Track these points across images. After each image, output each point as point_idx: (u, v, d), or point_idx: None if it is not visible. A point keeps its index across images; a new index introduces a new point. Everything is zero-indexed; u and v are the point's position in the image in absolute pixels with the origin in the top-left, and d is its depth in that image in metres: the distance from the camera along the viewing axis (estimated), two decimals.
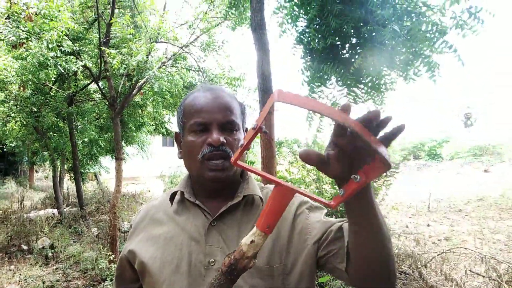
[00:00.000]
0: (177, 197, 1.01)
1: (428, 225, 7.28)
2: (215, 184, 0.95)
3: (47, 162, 11.03)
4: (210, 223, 0.93)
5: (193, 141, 0.92)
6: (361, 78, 4.44)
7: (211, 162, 0.90)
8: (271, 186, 1.05)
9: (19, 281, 4.55)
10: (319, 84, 4.41)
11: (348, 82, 4.40)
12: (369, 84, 4.50)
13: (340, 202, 0.65)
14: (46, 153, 9.68)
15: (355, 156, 0.60)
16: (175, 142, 1.05)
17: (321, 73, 4.27)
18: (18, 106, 7.60)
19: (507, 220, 7.48)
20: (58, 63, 5.73)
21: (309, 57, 4.32)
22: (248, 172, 1.04)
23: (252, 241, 0.69)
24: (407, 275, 3.75)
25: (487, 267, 3.73)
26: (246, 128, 1.03)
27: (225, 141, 0.90)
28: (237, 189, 0.99)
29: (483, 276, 3.62)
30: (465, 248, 4.41)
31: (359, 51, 4.26)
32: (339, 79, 4.41)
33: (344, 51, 4.41)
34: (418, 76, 4.06)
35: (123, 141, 9.32)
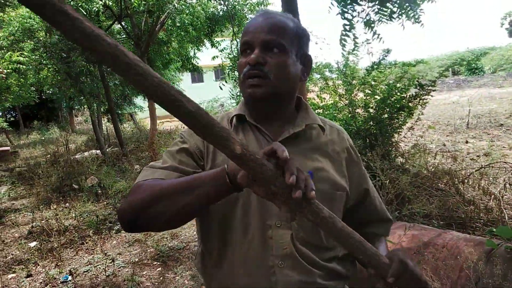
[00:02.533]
0: (234, 121, 1.01)
1: (467, 142, 7.10)
2: (254, 103, 0.95)
3: (85, 106, 11.45)
4: None
5: (240, 62, 0.94)
6: None
7: (249, 80, 0.90)
8: (331, 122, 1.09)
9: (75, 217, 4.99)
10: (350, 1, 4.12)
11: None
12: None
13: None
14: (82, 97, 10.01)
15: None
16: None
17: None
18: (48, 53, 7.73)
19: None
20: (79, 5, 5.67)
21: None
22: (306, 103, 1.05)
23: None
24: (443, 191, 3.76)
25: None
26: (304, 55, 0.99)
27: (264, 60, 0.89)
28: (292, 115, 1.01)
29: None
30: (505, 162, 4.31)
31: None
32: None
33: None
34: None
35: None
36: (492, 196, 3.40)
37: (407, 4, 4.21)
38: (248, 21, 0.97)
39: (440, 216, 3.26)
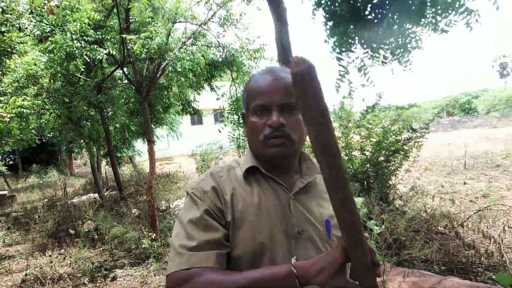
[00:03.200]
0: (244, 172, 1.02)
1: (465, 183, 7.12)
2: (276, 160, 0.99)
3: (84, 149, 11.52)
4: (290, 196, 0.99)
5: (255, 122, 0.98)
6: (386, 39, 4.30)
7: (272, 140, 0.95)
8: None
9: (70, 264, 4.88)
10: (345, 49, 4.31)
11: (373, 44, 4.28)
12: (394, 44, 4.35)
13: None
14: (82, 141, 10.10)
15: None
16: (242, 121, 1.11)
17: (345, 38, 4.18)
18: (51, 98, 7.90)
19: None
20: (84, 53, 5.88)
21: (331, 22, 4.21)
22: (306, 153, 1.11)
23: None
24: (443, 235, 3.73)
25: None
26: None
27: (285, 122, 0.94)
28: (297, 165, 1.06)
29: None
30: (502, 204, 4.31)
31: (383, 11, 4.11)
32: (364, 42, 4.29)
33: (367, 13, 4.26)
34: (451, 27, 3.90)
35: (152, 123, 9.54)
36: (492, 240, 3.38)
37: (398, 51, 4.41)
38: (254, 80, 1.02)
39: (441, 261, 3.22)
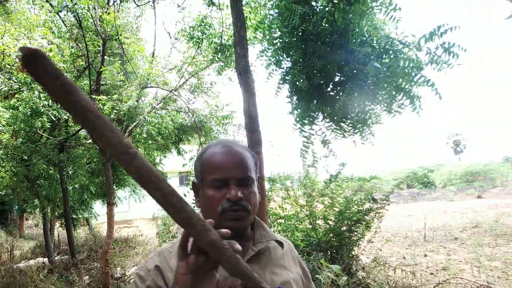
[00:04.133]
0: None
1: (425, 255, 7.22)
2: (233, 232, 1.00)
3: (38, 209, 10.87)
4: None
5: (213, 196, 0.99)
6: (347, 114, 4.58)
7: (230, 213, 0.97)
8: (279, 236, 1.17)
9: None
10: (308, 122, 4.54)
11: (335, 118, 4.54)
12: (355, 119, 4.63)
13: None
14: (36, 200, 9.56)
15: None
16: (192, 190, 1.11)
17: (308, 112, 4.41)
18: (9, 155, 7.59)
19: (503, 246, 7.46)
20: (50, 112, 5.82)
21: (295, 97, 4.47)
22: (259, 220, 1.13)
23: None
24: None
25: None
26: (259, 177, 1.10)
27: (242, 196, 0.97)
28: (249, 233, 1.08)
29: None
30: (461, 278, 4.38)
31: (343, 88, 4.42)
32: (326, 116, 4.55)
33: (329, 89, 4.57)
34: (402, 109, 4.22)
35: (114, 185, 9.26)
36: None
37: (359, 125, 4.69)
38: (211, 153, 1.05)
39: None
